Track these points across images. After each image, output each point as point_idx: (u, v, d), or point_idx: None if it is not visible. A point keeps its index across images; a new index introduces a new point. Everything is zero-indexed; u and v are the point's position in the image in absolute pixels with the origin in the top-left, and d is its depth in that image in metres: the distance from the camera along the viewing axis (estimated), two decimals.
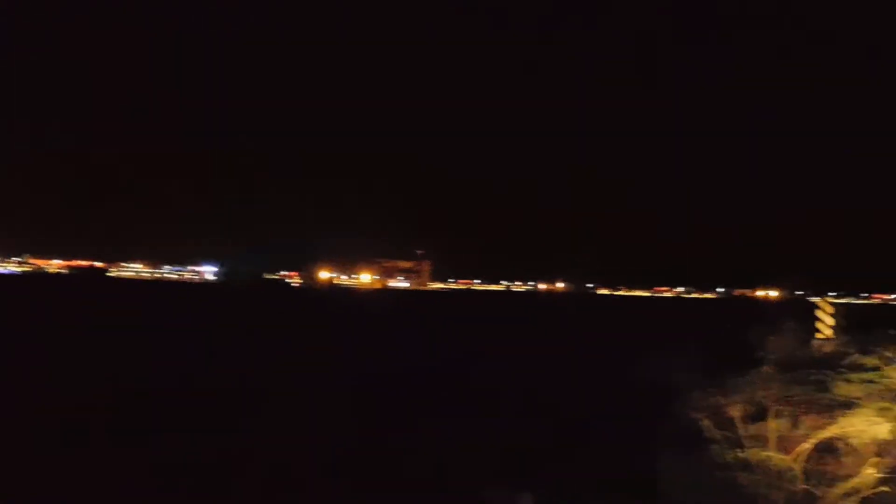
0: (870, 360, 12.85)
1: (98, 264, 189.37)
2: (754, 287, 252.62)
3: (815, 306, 21.53)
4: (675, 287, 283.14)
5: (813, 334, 20.34)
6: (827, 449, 7.58)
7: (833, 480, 6.73)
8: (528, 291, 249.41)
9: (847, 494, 6.12)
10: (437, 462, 9.86)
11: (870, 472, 6.29)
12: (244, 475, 9.66)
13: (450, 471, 9.15)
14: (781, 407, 8.92)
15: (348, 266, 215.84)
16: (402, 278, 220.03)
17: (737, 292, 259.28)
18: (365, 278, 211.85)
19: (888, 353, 13.55)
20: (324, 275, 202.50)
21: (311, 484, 9.25)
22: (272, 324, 41.46)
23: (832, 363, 13.45)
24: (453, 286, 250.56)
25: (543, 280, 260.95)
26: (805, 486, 6.24)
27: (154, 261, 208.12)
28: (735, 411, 7.35)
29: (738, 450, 6.84)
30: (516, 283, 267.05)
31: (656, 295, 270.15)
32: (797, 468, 6.36)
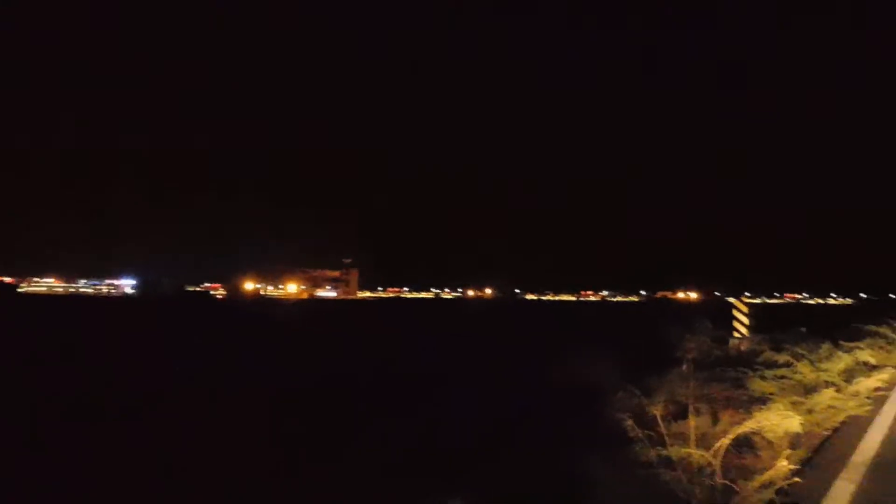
0: (782, 357, 13.44)
1: (7, 279, 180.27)
2: (675, 289, 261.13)
3: (731, 306, 22.38)
4: (600, 291, 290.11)
5: (730, 333, 21.12)
6: (744, 443, 7.84)
7: (750, 473, 6.96)
8: (456, 298, 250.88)
9: (763, 486, 6.34)
10: (361, 469, 9.74)
11: (784, 465, 6.53)
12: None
13: (374, 478, 9.05)
14: (700, 404, 9.19)
15: (274, 276, 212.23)
16: (329, 287, 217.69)
17: (658, 294, 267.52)
18: (291, 288, 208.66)
19: (799, 350, 14.19)
20: (249, 286, 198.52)
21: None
22: (196, 337, 40.35)
23: (748, 361, 13.99)
24: (382, 294, 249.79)
25: (471, 286, 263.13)
26: (724, 480, 6.43)
27: (68, 275, 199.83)
28: (656, 410, 7.52)
29: (660, 448, 7.00)
30: (445, 290, 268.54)
31: (582, 299, 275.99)
32: (716, 463, 6.55)
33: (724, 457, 6.75)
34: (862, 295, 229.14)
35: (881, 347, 18.22)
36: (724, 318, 21.52)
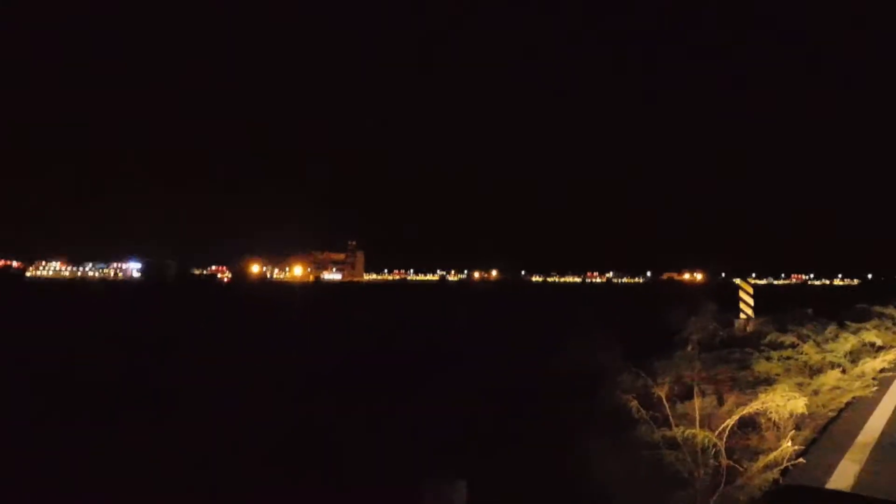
0: (788, 338, 13.42)
1: (15, 264, 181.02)
2: (681, 270, 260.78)
3: (737, 287, 22.34)
4: (605, 272, 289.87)
5: (735, 314, 21.09)
6: (749, 424, 7.85)
7: (755, 454, 6.97)
8: (462, 280, 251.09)
9: (768, 467, 6.34)
10: (367, 454, 9.78)
11: (788, 445, 6.54)
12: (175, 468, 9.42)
13: (380, 461, 9.09)
14: (706, 385, 9.20)
15: (280, 260, 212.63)
16: (335, 270, 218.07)
17: (664, 276, 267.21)
18: (297, 271, 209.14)
19: (804, 331, 14.17)
20: (255, 269, 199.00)
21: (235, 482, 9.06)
22: (205, 321, 40.53)
23: (753, 342, 13.98)
24: (388, 277, 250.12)
25: (477, 268, 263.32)
26: (728, 461, 6.43)
27: (75, 258, 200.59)
28: (661, 391, 7.53)
29: (665, 429, 7.01)
30: (451, 272, 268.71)
31: (587, 280, 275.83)
32: (721, 444, 6.55)
33: (729, 437, 6.76)
34: (868, 276, 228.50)
35: (887, 328, 18.17)
36: (730, 299, 21.49)
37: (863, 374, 11.69)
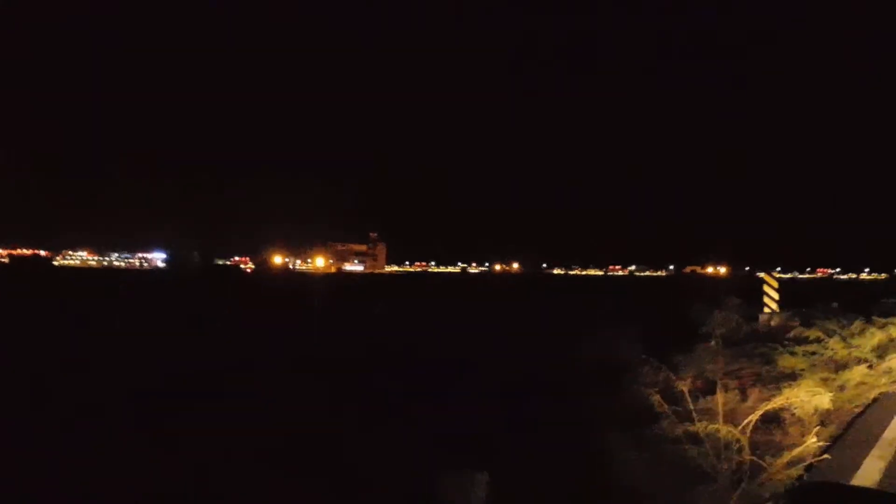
0: (813, 333, 13.27)
1: (42, 253, 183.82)
2: (704, 264, 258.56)
3: (761, 281, 22.10)
4: (627, 266, 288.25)
5: (759, 308, 20.89)
6: (773, 420, 7.77)
7: (779, 450, 6.90)
8: (483, 272, 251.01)
9: (791, 463, 6.28)
10: (388, 447, 9.80)
11: (813, 441, 6.46)
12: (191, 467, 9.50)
13: (400, 455, 9.10)
14: (729, 380, 9.12)
15: (302, 250, 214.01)
16: (356, 262, 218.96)
17: (687, 269, 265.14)
18: (319, 262, 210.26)
19: (829, 326, 13.99)
20: (277, 260, 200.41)
21: (258, 474, 9.13)
22: (229, 310, 40.92)
23: (778, 336, 13.83)
24: (409, 269, 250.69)
25: (498, 261, 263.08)
26: (752, 457, 6.37)
27: (101, 248, 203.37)
28: (684, 386, 7.47)
29: (688, 423, 6.96)
30: (472, 264, 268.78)
31: (609, 274, 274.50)
32: (744, 439, 6.49)
33: (753, 433, 6.69)
34: None
35: None
36: (754, 293, 21.27)
37: (890, 370, 11.53)
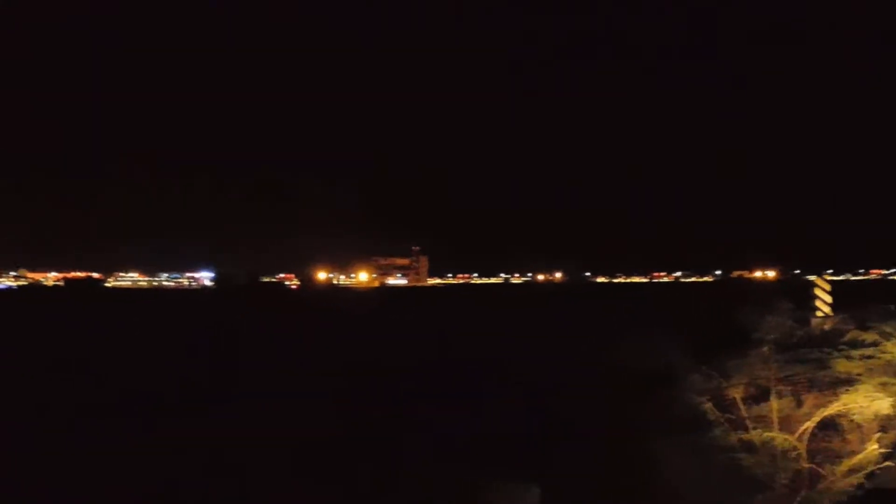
0: (869, 336, 12.85)
1: (95, 275, 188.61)
2: (751, 268, 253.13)
3: (812, 284, 21.55)
4: (673, 272, 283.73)
5: (811, 312, 20.35)
6: (830, 426, 7.56)
7: (837, 458, 6.71)
8: (525, 283, 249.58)
9: (851, 471, 6.10)
10: (433, 456, 9.79)
11: (873, 448, 6.27)
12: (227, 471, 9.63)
13: (445, 464, 9.08)
14: (783, 386, 8.90)
15: (345, 265, 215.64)
16: (399, 275, 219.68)
17: (734, 274, 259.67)
18: (363, 277, 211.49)
19: (887, 329, 13.55)
20: (321, 275, 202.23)
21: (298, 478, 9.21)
22: (275, 325, 41.46)
23: (831, 340, 13.44)
24: (451, 281, 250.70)
25: (541, 270, 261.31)
26: (810, 465, 6.21)
27: (150, 268, 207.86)
28: (736, 393, 7.32)
29: (741, 432, 6.81)
30: (514, 274, 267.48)
31: (654, 280, 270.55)
32: (801, 447, 6.33)
33: (809, 440, 6.53)
34: None
35: None
36: (805, 297, 20.75)
37: None
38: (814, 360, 11.51)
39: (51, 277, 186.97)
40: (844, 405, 6.90)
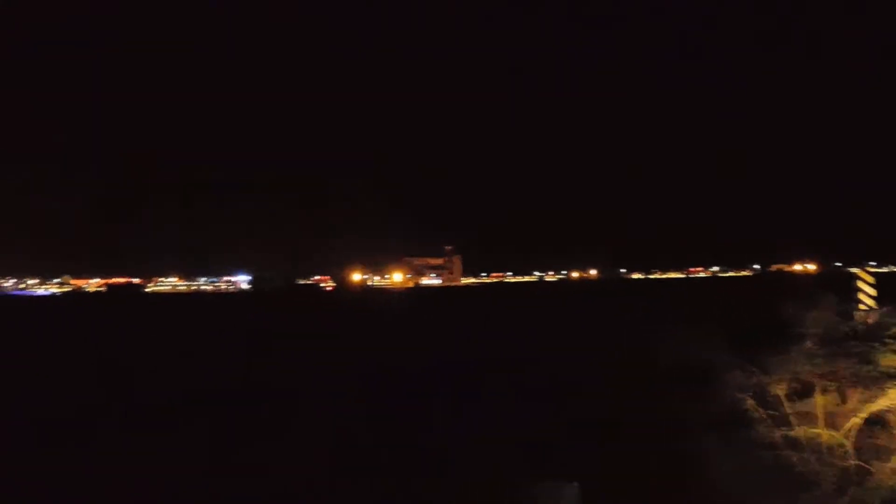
0: None
1: (135, 280, 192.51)
2: (791, 261, 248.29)
3: (855, 277, 21.07)
4: (710, 267, 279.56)
5: (854, 305, 19.90)
6: (877, 422, 7.38)
7: (886, 454, 6.54)
8: (560, 280, 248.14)
9: None
10: (473, 456, 9.76)
11: None
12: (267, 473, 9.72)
13: (485, 464, 9.05)
14: (827, 382, 8.71)
15: (379, 267, 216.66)
16: (433, 275, 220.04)
17: (773, 268, 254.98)
18: (397, 278, 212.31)
19: None
20: (356, 277, 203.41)
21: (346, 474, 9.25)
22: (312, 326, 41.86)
23: (876, 334, 13.12)
24: (485, 280, 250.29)
25: (575, 268, 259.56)
26: (857, 462, 6.06)
27: (188, 274, 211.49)
28: (779, 389, 7.18)
29: (785, 428, 6.67)
30: (549, 272, 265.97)
31: (691, 276, 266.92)
32: (848, 444, 6.18)
33: (857, 437, 6.37)
34: None
35: None
36: (847, 290, 20.29)
37: None
38: (858, 355, 11.24)
39: (93, 284, 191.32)
40: (892, 401, 6.73)
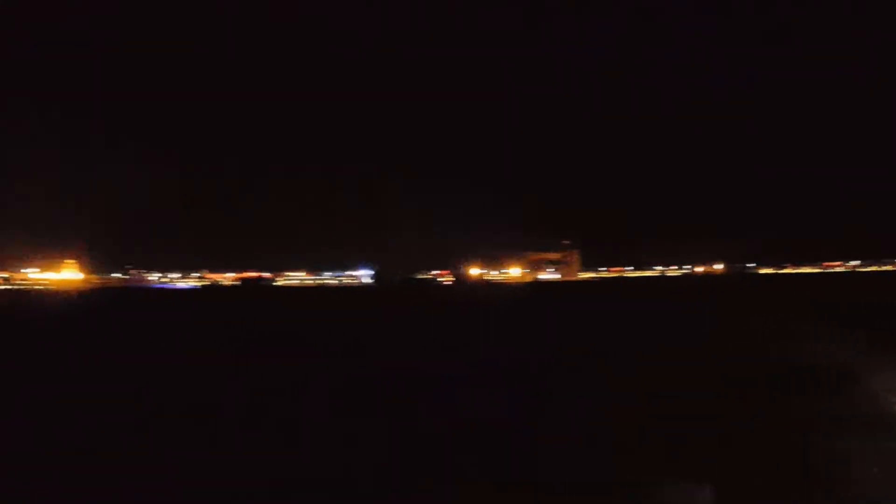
0: None
1: (266, 274, 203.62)
2: None
3: None
4: (848, 261, 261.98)
5: None
6: None
7: None
8: (683, 275, 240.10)
9: None
10: (602, 454, 9.78)
11: None
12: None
13: (615, 463, 9.05)
14: None
15: (497, 261, 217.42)
16: (551, 270, 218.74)
17: None
18: (515, 272, 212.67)
19: None
20: (474, 271, 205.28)
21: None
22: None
23: None
24: (605, 274, 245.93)
25: (699, 262, 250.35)
26: None
27: (314, 268, 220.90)
28: None
29: None
30: (671, 266, 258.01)
31: (827, 271, 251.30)
32: None
33: None
34: None
35: None
36: None
37: None
38: None
39: (228, 277, 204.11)
40: None
